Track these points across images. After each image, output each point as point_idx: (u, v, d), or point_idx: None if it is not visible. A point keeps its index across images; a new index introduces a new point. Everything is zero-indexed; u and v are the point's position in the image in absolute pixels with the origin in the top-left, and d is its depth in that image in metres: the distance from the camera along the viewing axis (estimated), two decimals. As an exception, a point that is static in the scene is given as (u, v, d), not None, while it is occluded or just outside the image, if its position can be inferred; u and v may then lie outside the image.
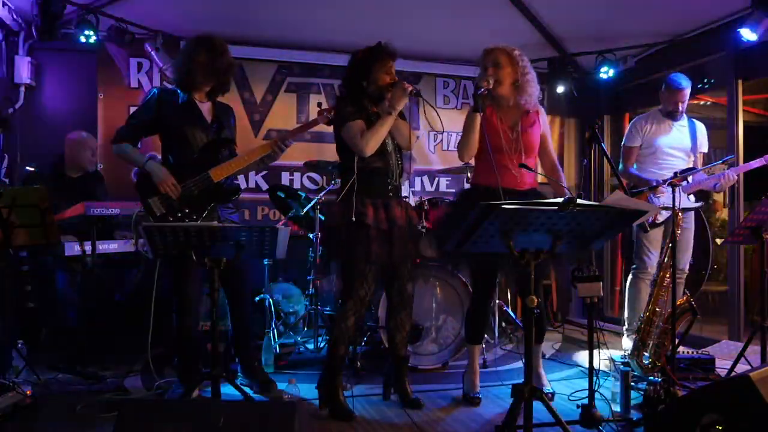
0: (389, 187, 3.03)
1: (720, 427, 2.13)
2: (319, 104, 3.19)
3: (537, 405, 2.22)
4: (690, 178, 3.67)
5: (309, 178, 5.34)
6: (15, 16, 4.45)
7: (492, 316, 4.26)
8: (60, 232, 3.33)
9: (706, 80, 4.64)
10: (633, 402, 2.93)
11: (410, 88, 2.93)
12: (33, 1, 4.04)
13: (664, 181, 3.65)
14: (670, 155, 3.99)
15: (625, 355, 3.51)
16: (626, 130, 4.24)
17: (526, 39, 5.02)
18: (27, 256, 4.10)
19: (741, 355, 3.26)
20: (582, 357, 4.11)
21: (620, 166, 4.11)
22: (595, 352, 2.70)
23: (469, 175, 3.91)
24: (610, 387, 3.01)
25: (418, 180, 5.58)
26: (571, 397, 3.21)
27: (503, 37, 4.79)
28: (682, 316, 3.31)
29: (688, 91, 3.93)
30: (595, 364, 2.71)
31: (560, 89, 5.34)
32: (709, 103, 5.49)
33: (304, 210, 4.14)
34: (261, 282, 4.41)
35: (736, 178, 3.87)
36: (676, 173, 3.25)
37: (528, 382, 2.21)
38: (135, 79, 4.95)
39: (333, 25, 4.69)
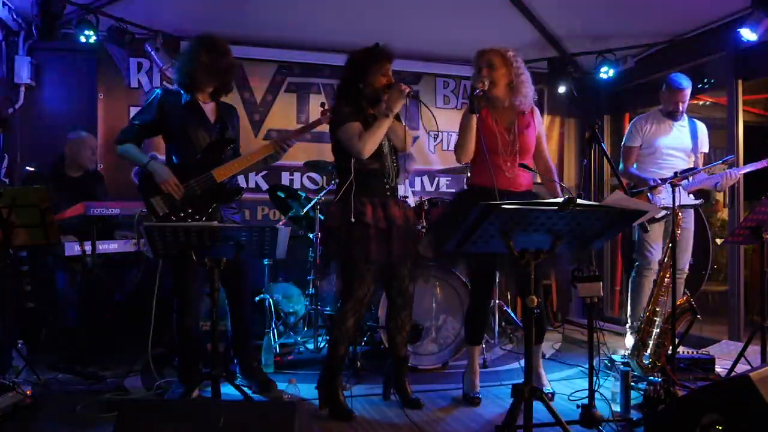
0: (386, 188, 3.04)
1: (720, 427, 2.13)
2: (322, 104, 3.19)
3: (537, 405, 2.22)
4: (690, 178, 3.67)
5: (309, 178, 5.34)
6: (15, 16, 4.45)
7: (492, 316, 4.26)
8: (60, 232, 3.33)
9: (706, 80, 4.64)
10: (633, 402, 2.93)
11: (407, 90, 2.92)
12: (33, 1, 4.04)
13: (664, 180, 3.66)
14: (670, 155, 3.99)
15: (625, 355, 3.51)
16: (626, 130, 4.24)
17: (526, 39, 5.02)
18: (27, 256, 4.11)
19: (741, 355, 3.26)
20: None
21: (620, 166, 4.11)
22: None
23: (469, 175, 3.91)
24: (610, 387, 3.01)
25: (418, 180, 5.58)
26: (571, 397, 3.21)
27: (503, 37, 4.80)
28: (682, 316, 3.31)
29: (688, 92, 3.93)
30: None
31: (560, 89, 5.35)
32: (708, 103, 5.49)
33: (304, 210, 4.15)
34: (261, 282, 4.41)
35: (738, 176, 3.87)
36: (676, 173, 3.25)
37: (528, 382, 2.21)
38: (135, 79, 4.95)
39: (333, 25, 4.69)
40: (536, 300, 2.18)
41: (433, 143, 5.60)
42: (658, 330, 3.38)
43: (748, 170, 3.80)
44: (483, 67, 3.01)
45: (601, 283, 2.68)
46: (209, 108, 3.21)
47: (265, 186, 5.08)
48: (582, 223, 2.15)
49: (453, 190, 5.55)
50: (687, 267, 4.00)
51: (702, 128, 4.06)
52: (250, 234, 2.57)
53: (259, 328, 4.06)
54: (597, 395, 2.79)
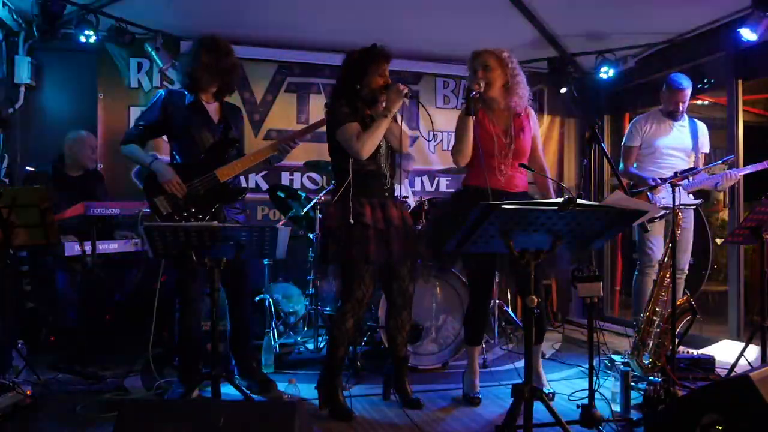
0: (385, 189, 3.04)
1: (720, 427, 2.14)
2: (326, 104, 3.19)
3: (537, 405, 2.22)
4: (690, 178, 3.67)
5: (309, 178, 5.34)
6: (15, 16, 4.44)
7: (492, 316, 4.27)
8: (60, 232, 3.33)
9: (706, 80, 4.63)
10: (633, 402, 2.93)
11: (405, 90, 2.92)
12: (33, 1, 4.03)
13: (664, 180, 3.67)
14: (670, 155, 4.00)
15: (625, 355, 3.51)
16: (626, 130, 4.24)
17: (526, 39, 5.02)
18: (27, 256, 4.11)
19: (741, 355, 3.26)
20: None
21: (620, 166, 4.12)
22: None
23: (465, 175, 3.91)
24: (610, 387, 3.01)
25: (418, 180, 5.58)
26: (571, 397, 3.21)
27: (503, 37, 4.81)
28: (682, 316, 3.31)
29: (688, 92, 3.94)
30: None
31: (561, 90, 5.35)
32: (708, 102, 5.49)
33: (304, 210, 4.15)
34: (261, 282, 4.41)
35: (738, 177, 3.87)
36: (676, 173, 3.25)
37: (528, 382, 2.21)
38: (135, 79, 4.95)
39: (333, 25, 4.69)
40: (536, 300, 2.18)
41: (434, 143, 5.60)
42: (658, 330, 3.38)
43: (748, 171, 3.80)
44: (478, 69, 3.01)
45: (601, 283, 2.68)
46: (213, 108, 3.22)
47: (265, 186, 5.08)
48: (582, 223, 2.15)
49: (453, 191, 5.55)
50: (687, 267, 4.00)
51: (702, 128, 4.06)
52: (250, 234, 2.57)
53: (259, 328, 4.07)
54: (597, 395, 2.79)
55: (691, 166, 3.95)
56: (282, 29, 4.93)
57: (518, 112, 3.08)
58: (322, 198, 4.07)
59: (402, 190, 4.49)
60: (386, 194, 3.04)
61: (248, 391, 2.97)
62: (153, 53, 4.71)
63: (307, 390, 3.19)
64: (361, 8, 4.52)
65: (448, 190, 5.61)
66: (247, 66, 5.11)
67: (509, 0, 4.57)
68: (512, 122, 3.06)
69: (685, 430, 2.25)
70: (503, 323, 4.63)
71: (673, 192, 3.08)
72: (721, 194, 4.94)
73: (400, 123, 3.01)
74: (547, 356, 4.19)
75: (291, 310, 4.51)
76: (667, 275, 3.39)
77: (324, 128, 3.15)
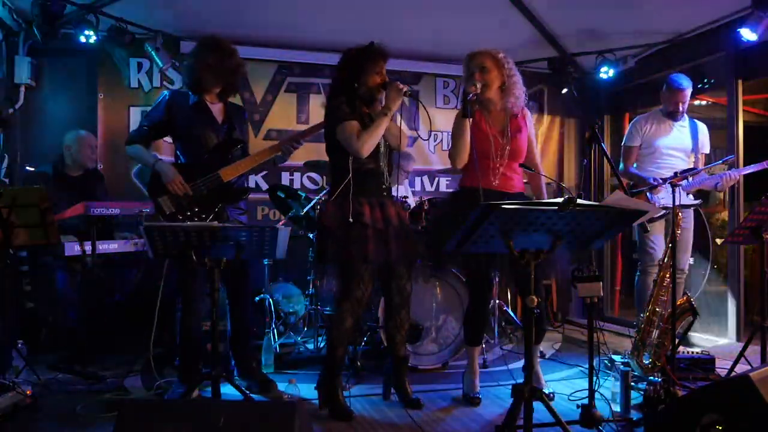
0: (383, 188, 3.04)
1: (720, 427, 2.13)
2: (324, 103, 3.19)
3: (537, 405, 2.22)
4: (690, 178, 3.67)
5: (309, 178, 5.34)
6: (15, 16, 4.44)
7: (492, 316, 4.26)
8: (60, 232, 3.33)
9: (706, 80, 4.63)
10: (633, 402, 2.93)
11: (404, 89, 2.92)
12: (33, 1, 4.03)
13: (664, 180, 3.67)
14: (670, 155, 4.00)
15: (625, 355, 3.51)
16: (626, 130, 4.25)
17: (526, 39, 5.02)
18: (27, 256, 4.11)
19: (741, 355, 3.26)
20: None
21: (620, 166, 4.12)
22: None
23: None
24: (610, 387, 3.01)
25: (418, 180, 5.58)
26: (571, 397, 3.21)
27: (503, 37, 4.82)
28: (682, 316, 3.31)
29: (689, 92, 3.94)
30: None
31: (562, 90, 5.35)
32: (705, 103, 5.49)
33: (304, 210, 4.14)
34: (262, 282, 4.41)
35: (737, 177, 3.87)
36: (676, 173, 3.25)
37: (528, 382, 2.21)
38: (135, 79, 4.95)
39: (333, 25, 4.69)
40: (536, 300, 2.18)
41: (434, 143, 5.60)
42: (658, 330, 3.38)
43: (748, 172, 3.80)
44: (475, 71, 3.01)
45: (601, 283, 2.68)
46: (217, 109, 3.24)
47: (265, 186, 5.08)
48: (582, 223, 2.15)
49: (453, 191, 5.55)
50: (687, 267, 4.00)
51: (702, 129, 4.07)
52: (250, 234, 2.57)
53: (259, 328, 4.07)
54: (597, 395, 2.79)
55: (691, 166, 3.95)
56: (282, 29, 4.93)
57: (515, 113, 3.09)
58: (323, 198, 4.07)
59: (402, 190, 4.50)
60: (384, 193, 3.04)
61: (248, 391, 2.97)
62: (153, 53, 4.71)
63: (307, 390, 3.19)
64: (361, 8, 4.52)
65: (448, 190, 5.60)
66: (247, 66, 5.07)
67: (509, 0, 4.57)
68: (509, 123, 3.07)
69: (685, 430, 2.25)
70: (503, 323, 4.63)
71: (673, 192, 3.08)
72: (721, 194, 4.95)
73: (398, 122, 3.00)
74: (547, 356, 4.19)
75: (291, 310, 4.51)
76: (667, 275, 3.39)
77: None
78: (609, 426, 2.75)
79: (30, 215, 2.97)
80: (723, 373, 3.44)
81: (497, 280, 3.93)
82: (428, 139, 5.52)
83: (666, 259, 3.43)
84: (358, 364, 3.60)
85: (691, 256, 4.02)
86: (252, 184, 5.15)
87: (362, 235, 2.88)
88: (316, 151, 5.04)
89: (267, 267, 4.44)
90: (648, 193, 3.80)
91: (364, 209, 2.92)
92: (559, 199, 2.04)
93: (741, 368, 3.14)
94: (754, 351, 3.25)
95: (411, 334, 3.62)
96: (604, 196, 5.37)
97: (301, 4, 4.48)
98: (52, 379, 3.42)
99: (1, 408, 2.76)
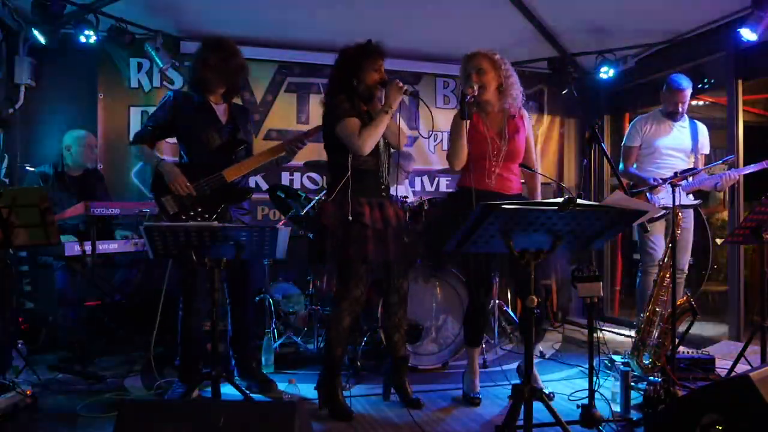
0: (382, 187, 3.04)
1: (720, 427, 2.13)
2: (322, 100, 3.20)
3: (537, 405, 2.22)
4: (690, 178, 3.67)
5: (309, 178, 5.34)
6: (15, 16, 4.44)
7: (492, 316, 4.26)
8: (60, 232, 3.33)
9: (706, 80, 4.64)
10: (633, 402, 2.93)
11: (405, 87, 2.92)
12: (33, 1, 4.03)
13: (664, 180, 3.67)
14: (670, 155, 4.00)
15: (625, 355, 3.52)
16: (626, 130, 4.25)
17: (526, 39, 5.02)
18: (27, 256, 4.11)
19: (741, 355, 3.26)
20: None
21: (620, 166, 4.12)
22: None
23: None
24: (610, 387, 3.01)
25: (418, 180, 5.58)
26: (571, 397, 3.21)
27: (503, 37, 4.82)
28: (682, 316, 3.31)
29: (688, 92, 3.94)
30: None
31: (563, 90, 5.35)
32: (702, 103, 5.49)
33: (304, 210, 4.14)
34: (262, 282, 4.41)
35: (737, 177, 3.87)
36: (676, 173, 3.25)
37: (528, 382, 2.21)
38: (135, 79, 4.95)
39: (333, 25, 4.69)
40: (536, 300, 2.18)
41: (434, 143, 5.60)
42: (658, 330, 3.38)
43: (747, 172, 3.80)
44: (472, 72, 3.01)
45: (601, 283, 2.68)
46: (221, 109, 3.25)
47: (265, 186, 5.08)
48: (582, 223, 2.15)
49: (453, 191, 5.55)
50: (687, 267, 4.00)
51: (702, 129, 4.07)
52: (250, 234, 2.57)
53: (259, 328, 4.07)
54: (597, 395, 2.79)
55: (691, 166, 3.95)
56: (282, 29, 4.93)
57: (512, 114, 3.09)
58: (323, 198, 4.07)
59: (402, 190, 4.50)
60: (383, 192, 3.04)
61: (248, 391, 2.97)
62: (153, 53, 4.71)
63: (307, 390, 3.19)
64: (361, 8, 4.52)
65: (448, 190, 5.61)
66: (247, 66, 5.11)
67: (509, 0, 4.57)
68: (506, 124, 3.07)
69: (685, 430, 2.25)
70: (503, 323, 4.63)
71: (673, 192, 3.08)
72: (721, 194, 4.95)
73: (397, 120, 3.01)
74: (547, 356, 4.19)
75: (291, 310, 4.51)
76: (667, 275, 3.39)
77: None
78: (609, 426, 2.75)
79: (30, 215, 2.97)
80: (723, 373, 3.43)
81: (497, 280, 3.92)
82: (429, 138, 5.52)
83: (666, 259, 3.43)
84: (358, 364, 3.60)
85: (691, 257, 4.02)
86: (252, 184, 5.15)
87: (362, 235, 2.88)
88: (316, 151, 5.03)
89: (267, 267, 4.44)
90: (648, 194, 3.80)
91: (364, 209, 2.92)
92: (559, 199, 2.04)
93: (741, 368, 3.14)
94: (754, 351, 3.25)
95: (411, 334, 3.62)
96: (604, 196, 5.37)
97: (301, 3, 4.48)
98: (52, 379, 3.42)
99: (1, 408, 2.76)
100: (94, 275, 3.76)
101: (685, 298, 3.38)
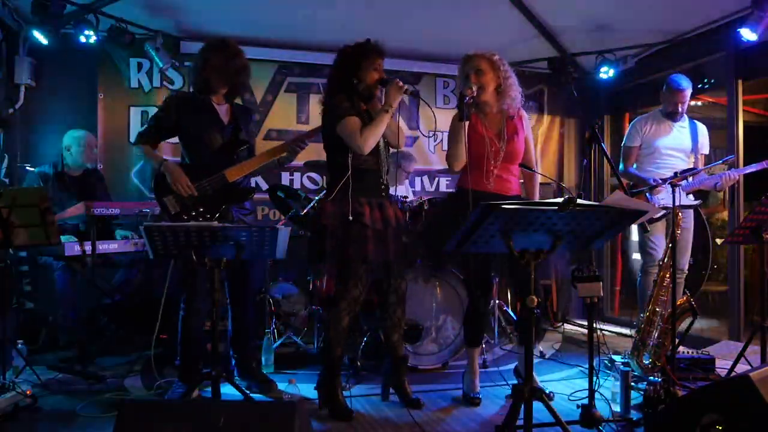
0: (382, 186, 3.04)
1: (720, 427, 2.13)
2: (322, 99, 3.20)
3: (537, 405, 2.22)
4: (690, 178, 3.68)
5: (309, 178, 5.34)
6: (15, 16, 4.44)
7: (492, 316, 4.26)
8: (60, 232, 3.33)
9: (706, 80, 4.64)
10: (633, 402, 2.93)
11: (405, 87, 2.93)
12: (33, 1, 4.03)
13: (664, 181, 3.67)
14: (670, 155, 4.00)
15: (625, 355, 3.52)
16: (626, 131, 4.25)
17: (526, 39, 5.02)
18: (27, 256, 4.11)
19: (741, 355, 3.26)
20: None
21: (620, 166, 4.12)
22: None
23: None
24: (610, 387, 3.01)
25: (418, 180, 5.58)
26: (571, 397, 3.21)
27: (504, 36, 4.83)
28: (682, 316, 3.31)
29: (688, 92, 3.94)
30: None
31: (564, 90, 5.36)
32: (701, 103, 5.49)
33: (305, 210, 4.14)
34: (262, 282, 4.41)
35: (737, 177, 3.88)
36: (676, 173, 3.25)
37: (528, 382, 2.21)
38: (135, 79, 4.95)
39: (333, 25, 4.69)
40: (536, 300, 2.18)
41: (434, 143, 5.60)
42: (658, 330, 3.38)
43: (747, 171, 3.80)
44: (470, 73, 3.01)
45: (601, 283, 2.68)
46: (223, 110, 3.26)
47: (265, 186, 5.08)
48: (582, 223, 2.15)
49: (453, 191, 5.55)
50: (687, 267, 4.00)
51: (702, 130, 4.07)
52: (250, 234, 2.57)
53: (259, 328, 4.07)
54: (597, 395, 2.79)
55: (691, 166, 3.95)
56: (282, 29, 4.93)
57: (511, 115, 3.08)
58: (323, 198, 4.07)
59: (402, 190, 4.50)
60: (383, 191, 3.05)
61: (248, 391, 2.97)
62: (153, 53, 4.71)
63: (307, 390, 3.19)
64: (361, 8, 4.52)
65: (448, 190, 5.61)
66: (248, 66, 5.11)
67: (509, 0, 4.57)
68: (505, 125, 3.07)
69: (685, 430, 2.25)
70: (503, 323, 4.63)
71: (673, 192, 3.08)
72: (721, 194, 4.96)
73: (397, 119, 3.01)
74: (547, 356, 4.19)
75: (291, 310, 4.51)
76: (667, 275, 3.39)
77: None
78: (609, 426, 2.75)
79: (30, 215, 2.97)
80: (723, 373, 3.44)
81: (497, 280, 3.92)
82: (429, 138, 5.51)
83: (666, 259, 3.43)
84: (358, 364, 3.60)
85: (691, 257, 4.02)
86: (252, 184, 5.15)
87: (362, 235, 2.88)
88: (316, 151, 5.02)
89: (267, 267, 4.44)
90: (648, 194, 3.80)
91: (364, 209, 2.92)
92: (559, 199, 2.04)
93: (741, 368, 3.14)
94: (754, 351, 3.25)
95: (411, 334, 3.62)
96: (604, 196, 5.37)
97: (301, 3, 4.48)
98: (52, 379, 3.42)
99: (1, 408, 2.76)
100: (94, 275, 3.76)
101: (685, 298, 3.38)
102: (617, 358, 3.52)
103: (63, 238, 3.59)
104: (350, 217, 2.87)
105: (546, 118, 5.92)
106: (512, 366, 3.63)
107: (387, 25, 4.49)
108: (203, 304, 3.06)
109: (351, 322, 3.00)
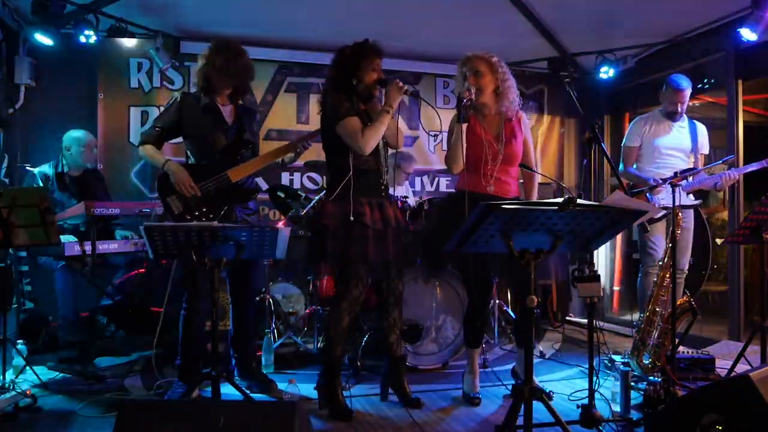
0: (382, 187, 3.04)
1: (720, 427, 2.13)
2: (320, 99, 3.21)
3: (537, 405, 2.22)
4: (690, 178, 3.67)
5: (309, 178, 5.34)
6: (15, 16, 4.44)
7: (492, 316, 4.26)
8: (60, 232, 3.33)
9: (706, 80, 4.64)
10: (633, 402, 2.93)
11: (405, 87, 2.92)
12: (33, 1, 4.03)
13: (664, 181, 3.67)
14: (669, 155, 4.00)
15: (625, 355, 3.52)
16: (626, 131, 4.25)
17: (526, 39, 5.02)
18: (27, 256, 4.11)
19: (741, 355, 3.26)
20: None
21: (620, 167, 4.12)
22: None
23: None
24: (610, 387, 3.01)
25: (418, 180, 5.58)
26: (571, 397, 3.21)
27: (504, 37, 4.83)
28: (682, 316, 3.31)
29: (688, 92, 3.94)
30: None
31: (561, 89, 5.36)
32: (699, 104, 5.49)
33: (304, 210, 4.14)
34: (262, 282, 4.41)
35: (737, 177, 3.88)
36: (676, 173, 3.25)
37: (528, 382, 2.21)
38: (135, 79, 4.95)
39: (333, 25, 4.69)
40: (536, 300, 2.18)
41: (434, 143, 5.61)
42: (658, 330, 3.38)
43: (747, 171, 3.80)
44: (469, 75, 3.01)
45: (601, 283, 2.68)
46: (227, 110, 3.27)
47: (265, 186, 5.07)
48: (582, 223, 2.15)
49: (453, 191, 5.55)
50: (687, 267, 4.00)
51: (702, 130, 4.07)
52: (250, 234, 2.57)
53: (259, 328, 4.07)
54: (597, 395, 2.79)
55: (691, 166, 3.95)
56: (282, 29, 4.93)
57: (509, 117, 3.08)
58: (322, 197, 4.07)
59: (402, 190, 4.50)
60: (383, 192, 3.05)
61: (248, 391, 2.97)
62: (153, 53, 4.71)
63: (307, 390, 3.19)
64: (361, 8, 4.52)
65: (448, 190, 5.61)
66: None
67: (509, 0, 4.57)
68: (503, 127, 3.06)
69: (685, 430, 2.25)
70: (503, 323, 4.63)
71: (673, 192, 3.08)
72: (721, 194, 4.96)
73: (396, 120, 3.01)
74: (547, 356, 4.19)
75: (291, 310, 4.51)
76: (667, 275, 3.39)
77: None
78: (609, 426, 2.75)
79: (30, 215, 2.97)
80: (723, 373, 3.44)
81: (497, 280, 3.92)
82: (429, 137, 5.51)
83: (666, 259, 3.43)
84: (358, 364, 3.60)
85: (691, 257, 4.02)
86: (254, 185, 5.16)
87: (363, 236, 2.88)
88: (316, 151, 5.01)
89: (267, 267, 4.44)
90: (648, 194, 3.80)
91: (365, 209, 2.92)
92: (559, 199, 2.04)
93: (741, 368, 3.14)
94: (754, 351, 3.25)
95: (411, 334, 3.62)
96: (604, 196, 5.37)
97: (301, 3, 4.48)
98: (52, 379, 3.42)
99: (1, 408, 2.76)
100: (94, 275, 3.76)
101: (685, 298, 3.38)
102: (617, 358, 3.52)
103: (63, 238, 3.59)
104: (351, 218, 2.87)
105: (546, 118, 5.92)
106: (511, 366, 3.62)
107: (387, 25, 4.50)
108: (204, 303, 3.07)
109: (351, 322, 3.00)
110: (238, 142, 3.21)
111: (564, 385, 3.49)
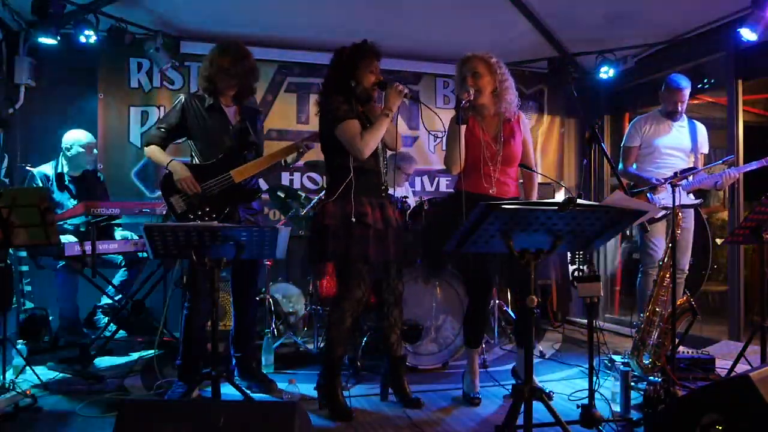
0: (382, 187, 3.04)
1: (720, 427, 2.13)
2: (318, 101, 3.21)
3: (537, 405, 2.22)
4: (690, 178, 3.68)
5: (309, 178, 5.34)
6: (15, 16, 4.44)
7: (492, 317, 4.26)
8: (60, 232, 3.33)
9: (706, 80, 4.64)
10: (633, 402, 2.93)
11: (404, 90, 2.92)
12: (33, 1, 4.03)
13: (665, 180, 3.67)
14: (669, 155, 4.00)
15: (625, 355, 3.52)
16: (626, 130, 4.25)
17: (526, 39, 5.03)
18: (27, 256, 4.11)
19: (741, 355, 3.26)
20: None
21: (620, 166, 4.12)
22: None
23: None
24: (610, 387, 3.01)
25: (418, 180, 5.58)
26: (571, 397, 3.21)
27: (504, 37, 4.83)
28: (682, 316, 3.31)
29: (687, 92, 3.94)
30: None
31: (565, 90, 5.37)
32: (703, 103, 5.49)
33: (304, 210, 4.15)
34: (262, 282, 4.42)
35: (737, 176, 3.88)
36: (676, 173, 3.25)
37: (528, 382, 2.21)
38: (135, 79, 4.95)
39: (333, 25, 4.70)
40: (536, 300, 2.18)
41: (433, 143, 5.61)
42: (658, 330, 3.38)
43: (747, 170, 3.80)
44: (467, 76, 3.00)
45: (601, 283, 2.68)
46: (232, 111, 3.28)
47: (265, 186, 5.08)
48: (582, 223, 2.15)
49: (453, 191, 5.55)
50: (687, 267, 4.00)
51: (701, 129, 4.07)
52: (250, 234, 2.57)
53: (259, 327, 4.07)
54: (597, 395, 2.79)
55: (691, 166, 3.95)
56: (282, 29, 4.93)
57: (508, 118, 3.08)
58: (322, 198, 4.07)
59: (402, 190, 4.50)
60: (383, 192, 3.05)
61: (248, 391, 2.97)
62: (153, 53, 4.71)
63: (307, 390, 3.19)
64: (361, 8, 4.52)
65: (448, 190, 5.61)
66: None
67: (510, 0, 4.57)
68: (502, 128, 3.06)
69: (685, 430, 2.25)
70: (503, 323, 4.63)
71: (673, 192, 3.08)
72: (721, 194, 4.96)
73: (395, 123, 3.01)
74: (547, 356, 4.19)
75: (291, 310, 4.51)
76: (667, 275, 3.39)
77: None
78: (609, 426, 2.75)
79: (30, 215, 2.97)
80: (723, 373, 3.44)
81: (496, 280, 3.92)
82: (429, 137, 5.51)
83: (666, 259, 3.43)
84: (358, 364, 3.60)
85: (691, 257, 4.02)
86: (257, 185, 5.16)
87: (364, 236, 2.88)
88: (315, 151, 5.01)
89: (266, 267, 4.45)
90: (648, 194, 3.81)
91: (366, 210, 2.92)
92: (559, 199, 2.04)
93: (741, 368, 3.14)
94: (754, 351, 3.25)
95: (411, 334, 3.62)
96: (604, 196, 5.37)
97: (301, 3, 4.48)
98: (52, 379, 3.42)
99: (1, 408, 2.76)
100: (94, 275, 3.76)
101: (685, 298, 3.38)
102: (617, 358, 3.52)
103: (63, 238, 3.59)
104: (353, 218, 2.87)
105: (546, 118, 5.92)
106: (510, 366, 3.63)
107: (387, 25, 4.50)
108: (204, 303, 3.07)
109: (353, 322, 3.00)
110: (243, 143, 3.22)
111: (564, 385, 3.49)
